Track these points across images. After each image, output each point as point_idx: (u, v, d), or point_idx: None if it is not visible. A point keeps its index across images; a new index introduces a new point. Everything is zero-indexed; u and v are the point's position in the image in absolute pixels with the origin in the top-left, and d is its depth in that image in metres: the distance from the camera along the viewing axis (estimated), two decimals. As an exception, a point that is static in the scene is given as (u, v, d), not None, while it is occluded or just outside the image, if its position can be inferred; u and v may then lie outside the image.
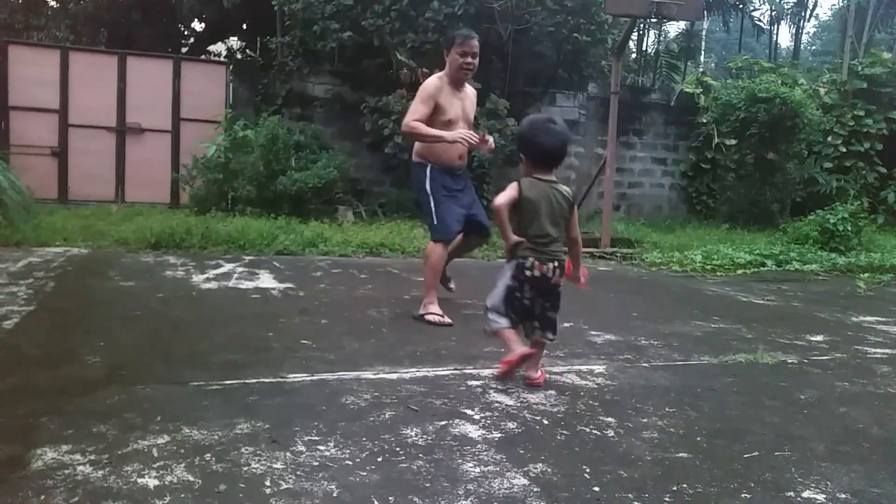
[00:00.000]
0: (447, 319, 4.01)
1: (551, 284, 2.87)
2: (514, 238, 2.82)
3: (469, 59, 4.13)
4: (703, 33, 27.05)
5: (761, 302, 5.48)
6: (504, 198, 2.81)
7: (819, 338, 4.18)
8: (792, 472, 2.13)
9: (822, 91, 12.56)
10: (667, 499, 1.91)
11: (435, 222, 4.18)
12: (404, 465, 2.03)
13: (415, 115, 4.12)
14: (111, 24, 13.28)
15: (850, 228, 8.63)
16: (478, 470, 2.03)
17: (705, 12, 16.25)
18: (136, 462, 1.95)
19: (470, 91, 4.38)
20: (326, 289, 4.97)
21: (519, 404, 2.64)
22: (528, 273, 2.83)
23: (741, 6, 18.43)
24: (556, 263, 2.85)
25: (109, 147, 10.20)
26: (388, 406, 2.54)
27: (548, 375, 3.05)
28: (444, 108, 4.13)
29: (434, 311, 4.05)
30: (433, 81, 4.20)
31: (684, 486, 1.99)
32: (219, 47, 15.65)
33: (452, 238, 4.28)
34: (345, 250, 6.89)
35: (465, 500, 1.84)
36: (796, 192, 11.85)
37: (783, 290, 6.15)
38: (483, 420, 2.44)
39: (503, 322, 2.85)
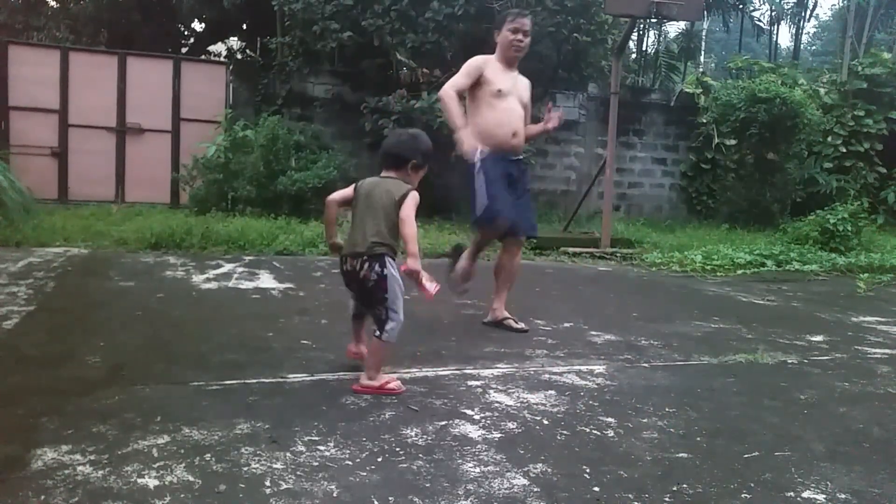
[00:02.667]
0: (521, 325, 3.94)
1: (360, 279, 2.73)
2: (334, 240, 2.95)
3: (520, 37, 3.97)
4: (703, 33, 27.04)
5: (761, 302, 5.48)
6: (337, 194, 2.99)
7: (819, 338, 4.18)
8: (792, 473, 2.13)
9: (822, 91, 12.56)
10: (667, 499, 1.91)
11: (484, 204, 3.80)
12: (404, 465, 2.03)
13: (452, 84, 3.92)
14: (111, 24, 13.28)
15: (850, 228, 8.63)
16: (478, 470, 2.03)
17: (705, 12, 16.25)
18: (136, 462, 1.95)
19: (522, 78, 4.15)
20: (326, 289, 4.97)
21: (519, 404, 2.64)
22: (343, 266, 2.82)
23: (741, 6, 18.44)
24: (364, 258, 2.71)
25: (109, 147, 10.19)
26: (388, 406, 2.54)
27: (548, 375, 3.05)
28: (492, 80, 3.94)
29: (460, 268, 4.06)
30: (479, 57, 4.05)
31: (684, 486, 1.99)
32: (219, 47, 15.66)
33: (498, 229, 3.92)
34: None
35: (465, 501, 1.84)
36: (796, 192, 11.85)
37: (783, 291, 6.15)
38: (483, 420, 2.44)
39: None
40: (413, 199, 2.76)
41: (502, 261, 4.10)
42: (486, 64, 4.00)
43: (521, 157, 4.10)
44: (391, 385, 2.70)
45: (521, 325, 3.97)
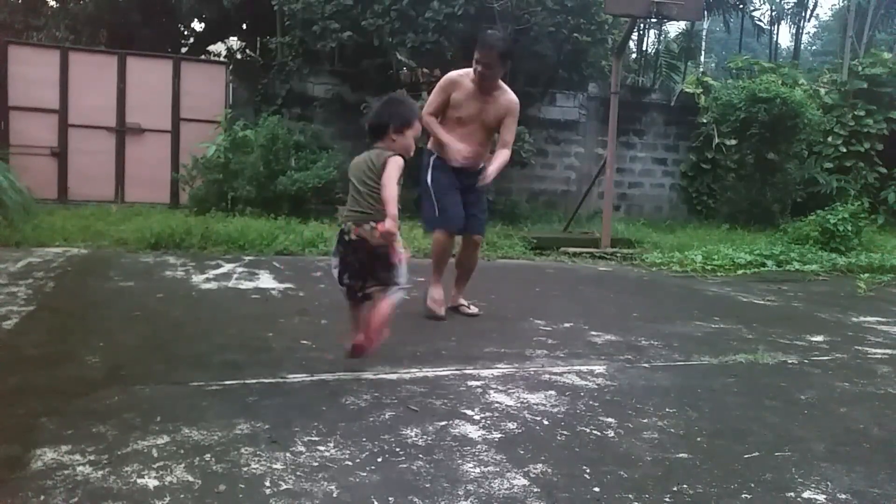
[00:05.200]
0: (440, 311, 4.08)
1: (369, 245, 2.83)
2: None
3: (482, 69, 3.96)
4: (704, 33, 27.04)
5: (761, 302, 5.47)
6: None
7: (819, 338, 4.18)
8: (792, 473, 2.13)
9: (823, 91, 12.56)
10: (667, 499, 1.91)
11: (435, 213, 4.13)
12: (404, 466, 2.03)
13: (427, 108, 4.11)
14: (111, 24, 13.26)
15: (850, 229, 8.63)
16: (478, 470, 2.03)
17: (705, 12, 16.25)
18: (136, 462, 1.95)
19: (503, 99, 4.12)
20: (326, 289, 4.96)
21: (519, 404, 2.64)
22: (346, 238, 2.88)
23: (741, 6, 18.42)
24: (372, 223, 2.80)
25: (109, 147, 10.19)
26: (388, 406, 2.53)
27: (548, 376, 3.05)
28: (458, 105, 4.03)
29: (431, 297, 4.11)
30: (451, 75, 4.13)
31: (684, 486, 1.99)
32: (219, 47, 15.64)
33: (453, 230, 4.19)
34: (345, 250, 6.87)
35: (465, 501, 1.83)
36: (796, 192, 11.85)
37: (783, 291, 6.14)
38: (483, 420, 2.44)
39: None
40: (393, 163, 2.85)
41: (460, 257, 4.40)
42: (456, 85, 4.08)
43: (479, 168, 4.18)
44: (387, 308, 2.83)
45: (475, 310, 4.31)
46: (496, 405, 2.62)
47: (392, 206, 2.75)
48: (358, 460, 2.05)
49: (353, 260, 2.90)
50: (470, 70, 4.07)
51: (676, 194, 12.90)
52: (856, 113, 12.02)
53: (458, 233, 4.23)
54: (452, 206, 4.11)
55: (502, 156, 4.14)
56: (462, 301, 4.37)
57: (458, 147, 3.99)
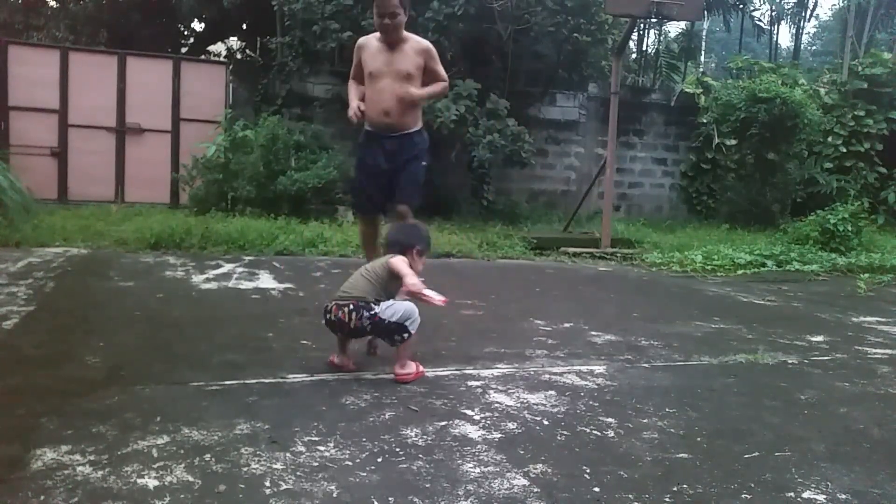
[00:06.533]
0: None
1: (352, 329, 2.90)
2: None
3: (386, 20, 3.94)
4: (704, 33, 27.04)
5: (761, 302, 5.47)
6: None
7: (819, 338, 4.18)
8: (792, 473, 2.13)
9: (823, 91, 12.55)
10: (667, 499, 1.91)
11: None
12: (404, 466, 2.03)
13: (351, 74, 4.17)
14: (111, 24, 13.27)
15: (850, 229, 8.63)
16: (478, 470, 2.03)
17: (705, 12, 16.25)
18: (136, 462, 1.95)
19: (412, 45, 4.07)
20: (326, 289, 4.96)
21: (519, 405, 2.64)
22: (328, 316, 2.93)
23: (741, 6, 18.43)
24: (350, 307, 2.86)
25: (109, 147, 10.18)
26: (388, 406, 2.54)
27: (548, 376, 3.05)
28: (366, 62, 4.07)
29: None
30: (360, 39, 4.18)
31: (684, 486, 1.99)
32: (219, 47, 15.63)
33: (362, 215, 4.23)
34: (345, 250, 6.88)
35: (465, 501, 1.83)
36: (797, 192, 11.85)
37: (783, 291, 6.14)
38: (483, 420, 2.44)
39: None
40: (398, 260, 2.98)
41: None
42: (363, 47, 4.09)
43: (401, 132, 4.05)
44: (421, 368, 2.97)
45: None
46: (496, 405, 2.61)
47: (405, 272, 2.90)
48: (358, 460, 2.05)
49: (337, 330, 2.98)
50: (374, 34, 4.13)
51: (676, 194, 12.89)
52: (856, 113, 12.02)
53: (371, 215, 4.17)
54: (359, 191, 4.17)
55: (437, 86, 4.16)
56: None
57: (353, 105, 4.00)
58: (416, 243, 3.10)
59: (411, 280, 2.88)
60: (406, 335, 2.88)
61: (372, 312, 2.84)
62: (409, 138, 4.03)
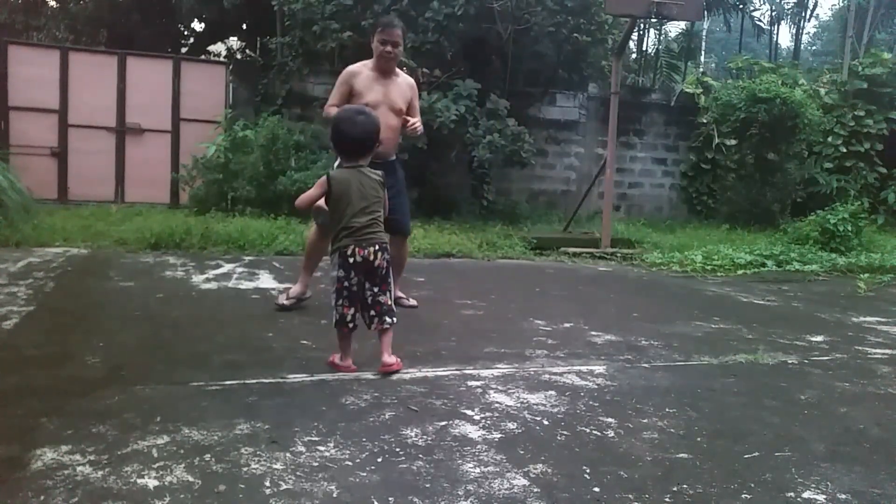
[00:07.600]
0: (412, 302, 4.36)
1: (374, 267, 2.94)
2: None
3: (388, 48, 4.11)
4: (704, 33, 27.06)
5: (762, 302, 5.47)
6: (307, 196, 3.03)
7: (819, 338, 4.18)
8: (792, 473, 2.13)
9: (823, 91, 12.54)
10: (667, 499, 1.91)
11: None
12: (404, 466, 2.03)
13: (330, 100, 4.18)
14: (111, 24, 13.27)
15: (850, 229, 8.62)
16: (478, 470, 2.03)
17: (705, 12, 16.25)
18: (136, 462, 1.95)
19: (403, 80, 4.32)
20: (326, 289, 4.95)
21: (519, 405, 2.64)
22: (351, 260, 2.91)
23: (741, 6, 18.44)
24: (376, 247, 2.94)
25: (109, 147, 10.18)
26: (388, 406, 2.54)
27: (548, 376, 3.05)
28: (362, 93, 4.13)
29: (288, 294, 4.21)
30: (350, 68, 4.24)
31: (684, 486, 1.99)
32: (219, 47, 15.64)
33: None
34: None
35: (465, 501, 1.83)
36: (797, 192, 11.84)
37: (783, 291, 6.14)
38: (483, 420, 2.44)
39: (335, 317, 2.97)
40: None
41: (392, 253, 4.48)
42: (356, 75, 4.18)
43: (390, 159, 4.21)
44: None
45: (413, 302, 4.44)
46: (496, 405, 2.61)
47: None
48: (358, 460, 2.05)
49: (354, 282, 2.95)
50: (367, 61, 4.23)
51: (676, 194, 12.89)
52: (856, 113, 12.01)
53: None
54: None
55: (419, 119, 4.30)
56: (400, 294, 4.39)
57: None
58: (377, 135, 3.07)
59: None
60: (395, 318, 2.99)
61: (388, 256, 2.99)
62: (391, 165, 4.18)
